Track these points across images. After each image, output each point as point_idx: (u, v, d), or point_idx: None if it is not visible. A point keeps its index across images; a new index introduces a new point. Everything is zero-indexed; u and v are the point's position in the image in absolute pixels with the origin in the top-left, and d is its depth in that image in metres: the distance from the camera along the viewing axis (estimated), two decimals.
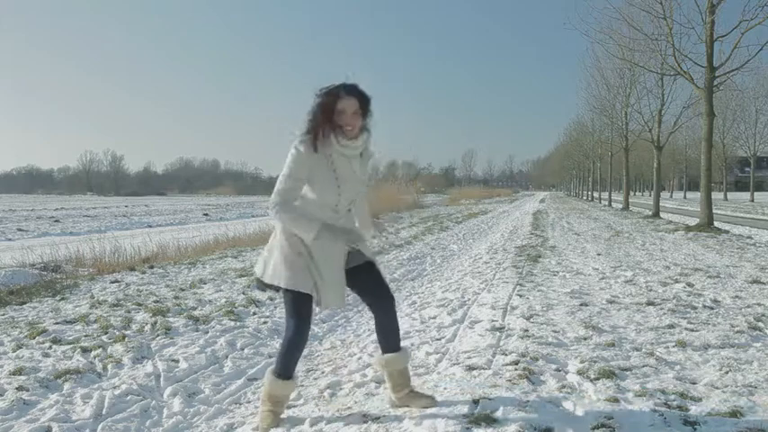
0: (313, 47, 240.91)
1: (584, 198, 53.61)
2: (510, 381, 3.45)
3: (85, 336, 4.66)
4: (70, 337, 4.60)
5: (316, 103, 2.76)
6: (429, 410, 3.04)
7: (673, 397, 3.19)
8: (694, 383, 3.43)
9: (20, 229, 20.41)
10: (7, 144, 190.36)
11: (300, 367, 4.15)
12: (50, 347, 4.35)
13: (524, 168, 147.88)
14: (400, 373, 3.10)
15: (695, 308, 5.47)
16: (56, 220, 25.45)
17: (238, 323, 5.15)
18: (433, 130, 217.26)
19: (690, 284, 6.75)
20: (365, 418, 3.03)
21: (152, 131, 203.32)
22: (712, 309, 5.44)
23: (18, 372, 3.77)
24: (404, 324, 5.18)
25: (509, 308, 5.53)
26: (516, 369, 3.65)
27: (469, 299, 6.09)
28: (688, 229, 14.92)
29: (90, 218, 28.23)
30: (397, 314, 3.19)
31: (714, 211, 15.89)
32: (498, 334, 4.58)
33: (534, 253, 10.00)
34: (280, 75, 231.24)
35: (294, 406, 3.32)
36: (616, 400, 3.14)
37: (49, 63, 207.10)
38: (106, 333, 4.74)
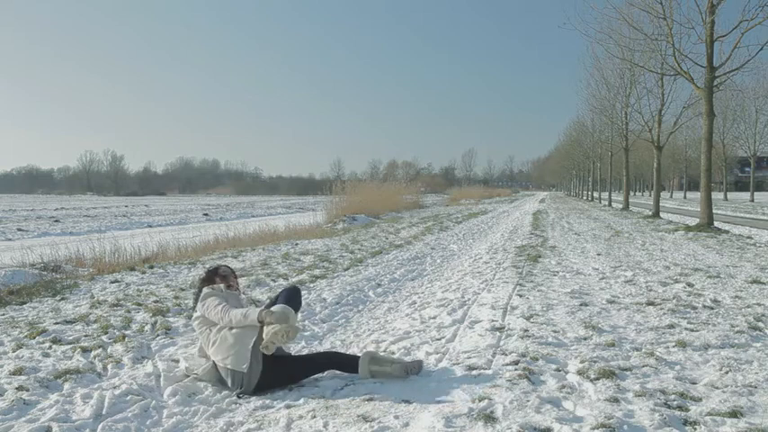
0: (314, 47, 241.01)
1: (584, 198, 53.60)
2: (510, 381, 3.45)
3: (85, 336, 4.66)
4: (70, 337, 4.60)
5: None
6: (429, 410, 3.05)
7: (673, 397, 3.19)
8: (694, 383, 3.43)
9: (20, 229, 20.41)
10: (7, 144, 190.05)
11: None
12: (50, 347, 4.35)
13: (524, 168, 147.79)
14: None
15: (695, 308, 5.47)
16: (56, 220, 25.46)
17: None
18: (434, 129, 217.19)
19: (690, 284, 6.75)
20: (365, 418, 3.04)
21: (152, 131, 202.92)
22: (712, 309, 5.45)
23: (18, 372, 3.77)
24: (404, 324, 5.18)
25: (509, 308, 5.53)
26: (516, 369, 3.66)
27: (469, 299, 6.09)
28: (688, 229, 14.91)
29: (90, 218, 28.23)
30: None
31: (714, 211, 15.89)
32: (498, 334, 4.58)
33: (534, 253, 10.00)
34: (280, 75, 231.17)
35: (294, 406, 3.32)
36: (616, 400, 3.15)
37: (48, 63, 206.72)
38: (106, 333, 4.74)
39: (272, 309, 3.71)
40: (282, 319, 3.60)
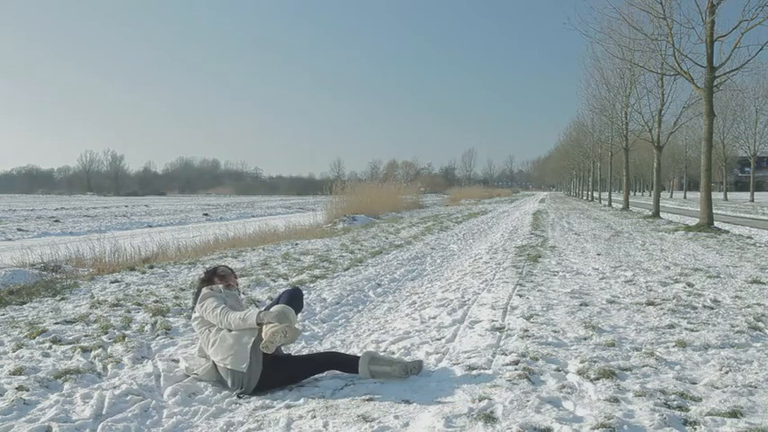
0: (314, 47, 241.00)
1: (584, 198, 53.60)
2: (510, 381, 3.46)
3: (85, 336, 4.66)
4: (70, 337, 4.60)
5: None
6: (429, 410, 3.05)
7: (673, 397, 3.19)
8: (694, 383, 3.43)
9: (20, 229, 20.40)
10: (7, 144, 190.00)
11: None
12: (50, 347, 4.35)
13: (524, 168, 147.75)
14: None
15: (695, 308, 5.47)
16: (56, 220, 25.46)
17: None
18: (434, 129, 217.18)
19: (690, 284, 6.76)
20: (365, 418, 3.04)
21: (152, 131, 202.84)
22: (712, 309, 5.45)
23: (18, 372, 3.77)
24: (404, 324, 5.18)
25: (509, 308, 5.53)
26: (516, 369, 3.66)
27: (469, 299, 6.09)
28: (688, 229, 14.92)
29: (90, 218, 28.22)
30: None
31: (714, 211, 15.89)
32: (498, 334, 4.58)
33: (534, 253, 10.00)
34: (280, 75, 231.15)
35: (294, 406, 3.32)
36: (616, 400, 3.15)
37: (48, 63, 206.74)
38: (106, 333, 4.74)
39: (272, 309, 3.72)
40: (282, 319, 3.61)
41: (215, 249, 11.10)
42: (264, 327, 3.59)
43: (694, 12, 15.28)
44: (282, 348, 3.88)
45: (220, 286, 4.04)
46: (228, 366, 3.58)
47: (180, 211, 35.04)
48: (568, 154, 57.45)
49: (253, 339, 3.59)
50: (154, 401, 3.40)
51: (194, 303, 3.96)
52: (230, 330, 3.68)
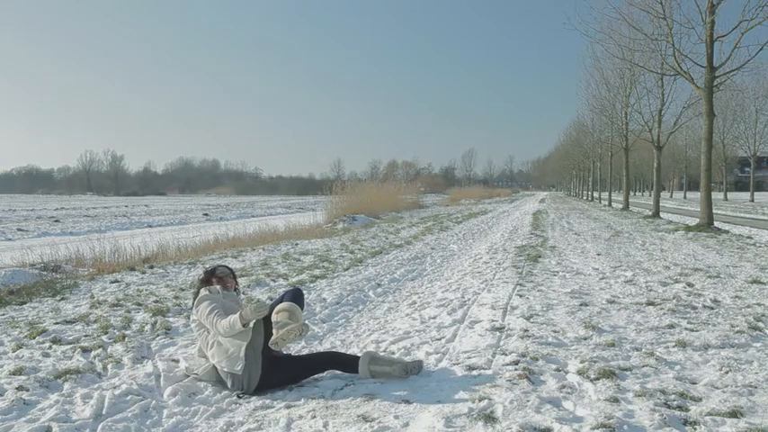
0: (314, 47, 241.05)
1: (584, 198, 53.59)
2: (510, 381, 3.45)
3: (85, 336, 4.66)
4: (70, 337, 4.60)
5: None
6: (429, 410, 3.05)
7: (673, 397, 3.19)
8: (694, 383, 3.43)
9: (20, 229, 20.40)
10: (7, 144, 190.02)
11: None
12: (50, 347, 4.35)
13: (524, 168, 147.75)
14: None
15: (695, 308, 5.47)
16: (56, 220, 25.45)
17: None
18: (434, 129, 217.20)
19: (690, 284, 6.75)
20: (365, 418, 3.04)
21: (152, 131, 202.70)
22: (712, 309, 5.45)
23: (18, 372, 3.77)
24: (404, 324, 5.18)
25: (509, 308, 5.53)
26: (516, 369, 3.66)
27: (469, 299, 6.09)
28: (688, 229, 14.91)
29: (90, 218, 28.21)
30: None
31: (714, 210, 15.89)
32: (498, 334, 4.58)
33: (534, 253, 10.00)
34: (280, 74, 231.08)
35: (294, 406, 3.32)
36: (616, 400, 3.15)
37: (48, 63, 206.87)
38: (106, 333, 4.74)
39: (281, 305, 3.75)
40: (297, 316, 3.66)
41: (215, 249, 11.10)
42: (276, 326, 3.60)
43: (694, 12, 15.30)
44: (282, 348, 3.89)
45: (218, 287, 4.03)
46: (225, 369, 3.59)
47: (180, 211, 35.02)
48: (568, 154, 57.42)
49: (247, 342, 3.59)
50: (154, 401, 3.40)
51: (193, 305, 3.95)
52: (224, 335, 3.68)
